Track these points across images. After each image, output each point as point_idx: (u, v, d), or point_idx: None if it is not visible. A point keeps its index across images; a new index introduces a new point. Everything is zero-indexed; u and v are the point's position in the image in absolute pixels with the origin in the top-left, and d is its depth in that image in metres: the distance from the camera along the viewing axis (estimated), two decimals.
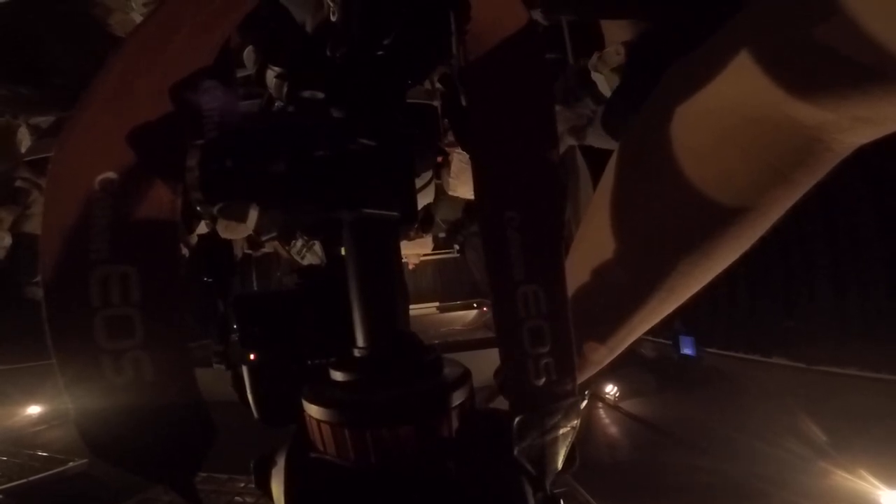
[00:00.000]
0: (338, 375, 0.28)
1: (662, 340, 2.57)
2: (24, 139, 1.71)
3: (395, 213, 0.26)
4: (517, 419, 0.28)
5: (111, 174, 0.23)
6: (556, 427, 0.30)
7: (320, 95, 0.28)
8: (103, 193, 0.23)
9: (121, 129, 0.24)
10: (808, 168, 0.35)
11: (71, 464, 2.26)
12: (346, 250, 0.28)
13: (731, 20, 0.36)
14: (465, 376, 0.29)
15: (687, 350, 2.46)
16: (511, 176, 0.30)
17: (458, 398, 0.28)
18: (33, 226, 2.24)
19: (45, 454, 2.43)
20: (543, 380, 0.29)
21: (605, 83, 1.32)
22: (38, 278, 0.23)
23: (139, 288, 0.24)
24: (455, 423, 0.28)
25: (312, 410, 0.27)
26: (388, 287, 0.28)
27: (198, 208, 0.21)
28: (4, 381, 2.85)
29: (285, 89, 0.30)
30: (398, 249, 0.28)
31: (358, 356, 0.28)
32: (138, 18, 1.11)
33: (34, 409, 2.87)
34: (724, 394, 2.31)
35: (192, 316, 0.27)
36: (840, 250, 1.82)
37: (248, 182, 0.21)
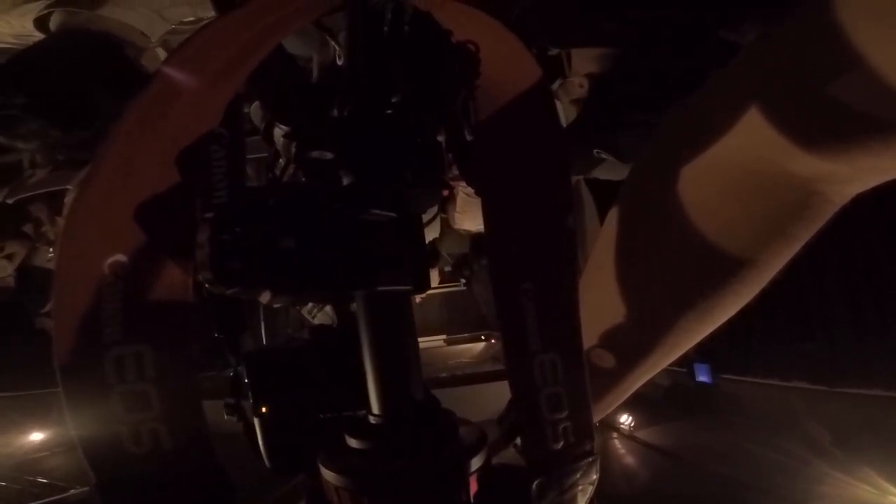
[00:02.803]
0: (356, 442, 0.28)
1: (677, 368, 2.52)
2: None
3: (408, 287, 0.26)
4: (536, 482, 0.28)
5: (121, 257, 0.23)
6: (575, 485, 0.30)
7: (328, 156, 0.27)
8: (114, 277, 0.23)
9: (127, 206, 0.23)
10: (807, 221, 0.35)
11: (72, 491, 2.22)
12: (358, 321, 0.27)
13: (730, 67, 0.36)
14: (481, 439, 0.28)
15: (702, 377, 2.42)
16: (526, 245, 0.30)
17: (476, 463, 0.27)
18: (42, 259, 2.28)
19: (45, 481, 2.40)
20: (562, 443, 0.29)
21: (561, 113, 1.31)
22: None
23: (153, 365, 0.24)
24: (474, 487, 0.27)
25: (331, 476, 0.27)
26: (403, 357, 0.27)
27: (207, 286, 0.21)
28: (9, 408, 2.86)
29: (293, 149, 0.30)
30: (411, 316, 0.28)
31: (374, 423, 0.28)
32: (161, 53, 1.14)
33: (36, 436, 2.85)
34: (742, 420, 2.26)
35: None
36: (856, 267, 1.80)
37: (259, 263, 0.20)
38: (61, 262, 0.23)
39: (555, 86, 1.21)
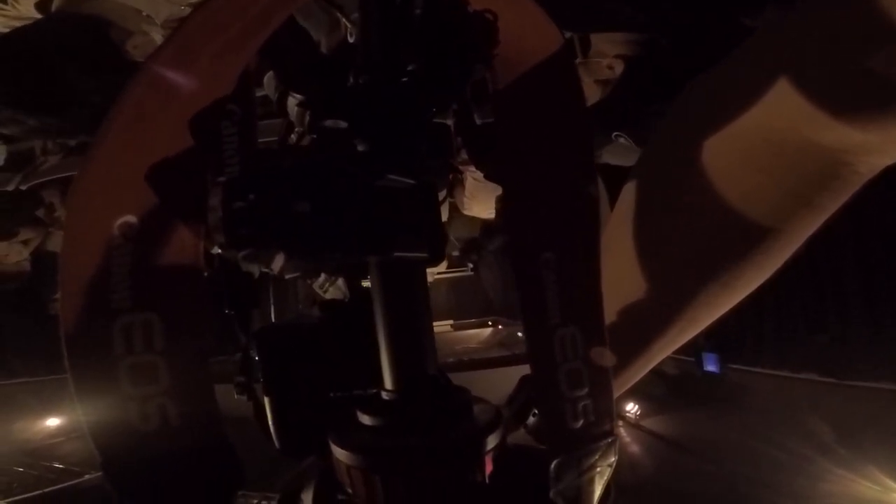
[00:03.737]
0: (367, 419, 0.27)
1: (684, 357, 2.51)
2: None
3: (423, 255, 0.25)
4: (555, 462, 0.27)
5: (130, 218, 0.22)
6: (594, 466, 0.29)
7: (343, 125, 0.27)
8: (123, 239, 0.22)
9: (138, 168, 0.23)
10: (833, 192, 0.34)
11: (87, 476, 2.26)
12: (372, 291, 0.26)
13: (752, 38, 0.35)
14: (497, 417, 0.28)
15: (710, 367, 2.41)
16: (547, 213, 0.29)
17: (491, 442, 0.26)
18: (56, 244, 2.30)
19: (61, 466, 2.44)
20: (581, 422, 0.28)
21: None
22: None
23: (163, 335, 0.23)
24: (489, 467, 0.26)
25: (342, 455, 0.26)
26: (417, 329, 0.26)
27: (220, 251, 0.20)
28: (25, 393, 2.91)
29: (307, 118, 0.30)
30: (426, 288, 0.27)
31: (388, 399, 0.27)
32: (159, 38, 1.12)
33: (52, 422, 2.90)
34: (748, 411, 2.25)
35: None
36: (870, 260, 1.77)
37: (272, 224, 0.20)
38: (70, 221, 0.22)
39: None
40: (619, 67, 1.14)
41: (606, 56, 1.14)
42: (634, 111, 1.12)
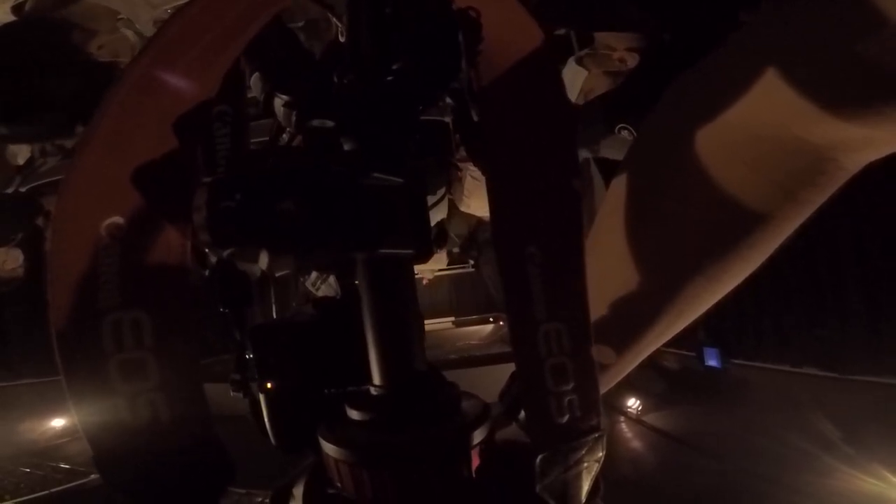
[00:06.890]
0: (356, 414, 0.27)
1: (686, 352, 2.51)
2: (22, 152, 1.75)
3: (410, 251, 0.25)
4: (540, 457, 0.28)
5: (118, 219, 0.23)
6: (580, 461, 0.29)
7: (330, 124, 0.27)
8: (110, 240, 0.23)
9: (124, 169, 0.23)
10: (819, 187, 0.35)
11: (92, 476, 2.28)
12: (360, 288, 0.27)
13: (741, 31, 0.35)
14: (484, 412, 0.28)
15: (712, 362, 2.41)
16: (531, 208, 0.29)
17: (478, 436, 0.27)
18: None
19: (67, 466, 2.46)
20: (567, 417, 0.29)
21: (581, 80, 1.24)
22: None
23: (152, 332, 0.23)
24: (476, 462, 0.27)
25: (330, 449, 0.26)
26: (405, 325, 0.27)
27: (207, 251, 0.21)
28: (31, 394, 2.93)
29: (294, 118, 0.30)
30: (413, 284, 0.27)
31: (376, 395, 0.27)
32: (132, 38, 1.10)
33: (57, 422, 2.92)
34: (750, 406, 2.25)
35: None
36: (871, 254, 1.77)
37: (257, 223, 0.20)
38: (57, 223, 0.23)
39: (580, 53, 1.17)
40: (631, 60, 1.13)
41: (615, 49, 1.14)
42: (642, 104, 1.12)
